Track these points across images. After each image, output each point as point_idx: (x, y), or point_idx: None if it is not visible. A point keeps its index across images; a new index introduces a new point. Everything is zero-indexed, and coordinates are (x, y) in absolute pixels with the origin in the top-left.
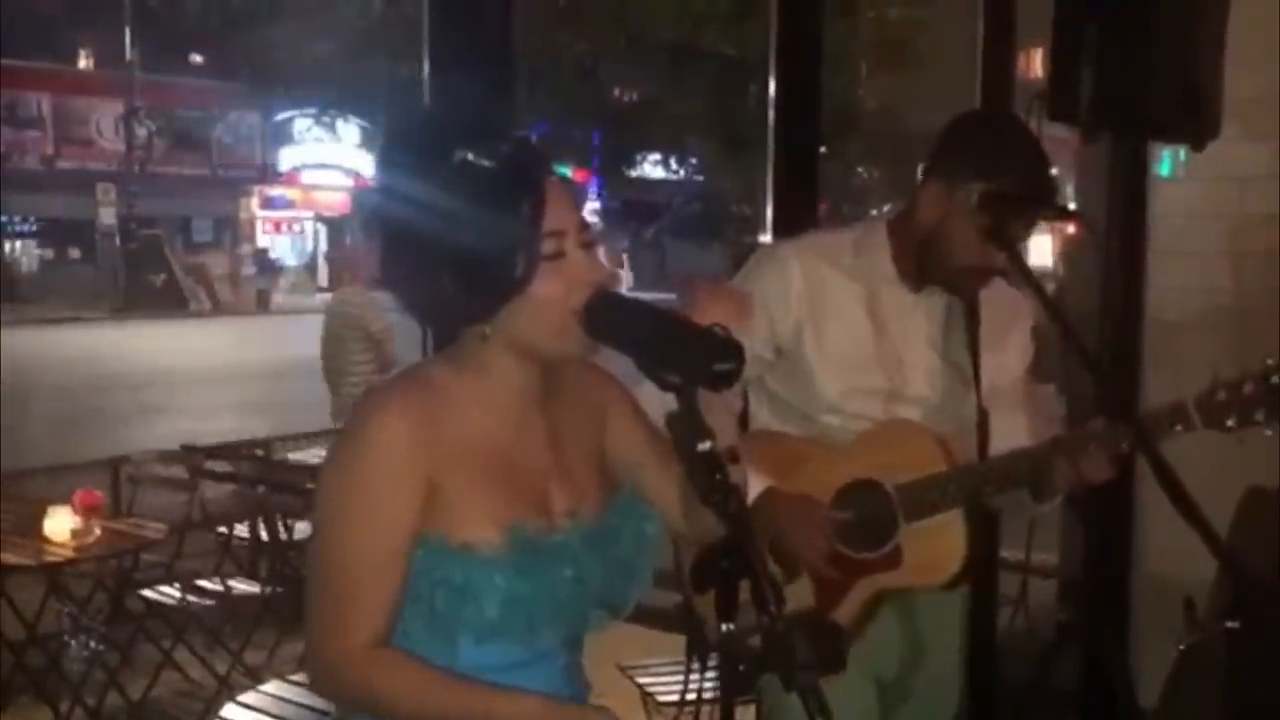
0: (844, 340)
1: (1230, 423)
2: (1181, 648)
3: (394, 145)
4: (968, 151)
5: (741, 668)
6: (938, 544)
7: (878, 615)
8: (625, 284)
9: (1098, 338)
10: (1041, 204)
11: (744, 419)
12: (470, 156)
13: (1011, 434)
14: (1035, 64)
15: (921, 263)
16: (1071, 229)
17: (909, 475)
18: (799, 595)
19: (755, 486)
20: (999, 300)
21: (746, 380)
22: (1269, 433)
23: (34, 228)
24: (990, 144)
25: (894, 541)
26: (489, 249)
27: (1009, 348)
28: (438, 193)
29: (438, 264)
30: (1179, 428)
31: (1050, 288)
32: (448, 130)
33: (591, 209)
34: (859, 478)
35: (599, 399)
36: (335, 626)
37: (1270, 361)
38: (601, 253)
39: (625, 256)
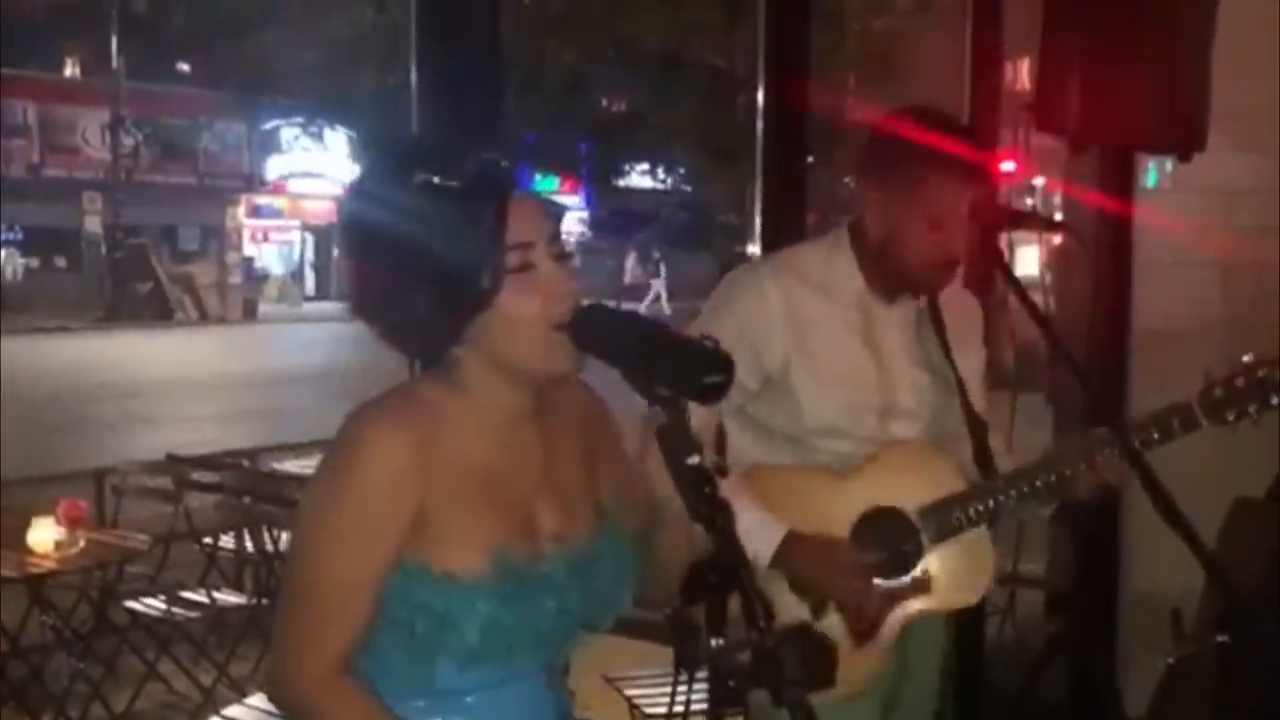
0: (835, 362)
1: (1230, 416)
2: (1170, 661)
3: (365, 170)
4: (895, 158)
5: (731, 683)
6: (966, 562)
7: None
8: (659, 292)
9: (1085, 348)
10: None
11: (720, 446)
12: (430, 178)
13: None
14: (1023, 75)
15: (885, 271)
16: (1059, 240)
17: (925, 497)
18: (831, 632)
19: (775, 531)
20: (956, 305)
21: (722, 408)
22: (1257, 419)
23: (19, 236)
24: (910, 146)
25: (922, 566)
26: (454, 265)
27: (970, 352)
28: (403, 216)
29: (407, 285)
30: (1185, 426)
31: (1037, 298)
32: (409, 155)
33: (579, 218)
34: (876, 505)
35: (591, 426)
36: (301, 644)
37: (1247, 358)
38: (632, 260)
39: (662, 264)
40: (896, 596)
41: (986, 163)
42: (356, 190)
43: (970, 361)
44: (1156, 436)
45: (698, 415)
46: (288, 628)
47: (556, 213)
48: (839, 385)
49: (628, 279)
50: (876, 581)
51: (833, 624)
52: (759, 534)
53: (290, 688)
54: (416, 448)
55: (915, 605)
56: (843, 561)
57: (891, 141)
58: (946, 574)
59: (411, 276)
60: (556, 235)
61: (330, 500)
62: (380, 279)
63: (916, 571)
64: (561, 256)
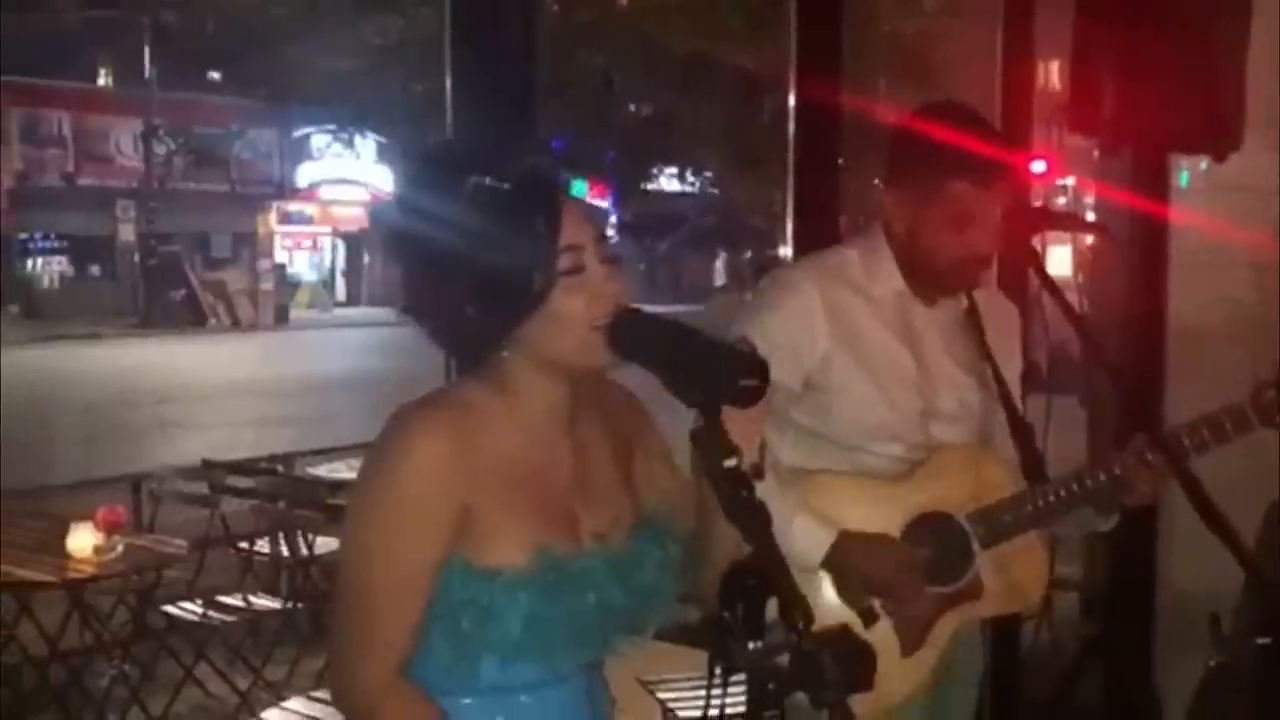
0: (876, 363)
1: None
2: (1210, 665)
3: (413, 175)
4: (914, 158)
5: (770, 686)
6: (1019, 567)
7: None
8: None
9: (1120, 349)
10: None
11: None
12: (485, 180)
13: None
14: (1055, 76)
15: (914, 270)
16: (1091, 240)
17: (977, 501)
18: (881, 639)
19: (826, 531)
20: (996, 310)
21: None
22: None
23: (55, 245)
24: (928, 144)
25: (973, 571)
26: (506, 268)
27: (1009, 358)
28: (456, 218)
29: (458, 287)
30: (1238, 429)
31: (1071, 298)
32: (463, 157)
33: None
34: (925, 510)
35: (629, 428)
36: (357, 650)
37: None
38: (721, 262)
39: (750, 266)
40: (947, 603)
41: (1008, 159)
42: (406, 192)
43: (1009, 367)
44: (1209, 439)
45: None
46: (343, 634)
47: (603, 217)
48: (881, 386)
49: (720, 281)
50: (929, 589)
51: (883, 632)
52: (810, 534)
53: (350, 694)
54: (458, 448)
55: (966, 612)
56: (895, 559)
57: (910, 142)
58: (998, 579)
59: (461, 279)
60: (604, 238)
61: (375, 505)
62: (430, 282)
63: (968, 577)
64: (608, 259)
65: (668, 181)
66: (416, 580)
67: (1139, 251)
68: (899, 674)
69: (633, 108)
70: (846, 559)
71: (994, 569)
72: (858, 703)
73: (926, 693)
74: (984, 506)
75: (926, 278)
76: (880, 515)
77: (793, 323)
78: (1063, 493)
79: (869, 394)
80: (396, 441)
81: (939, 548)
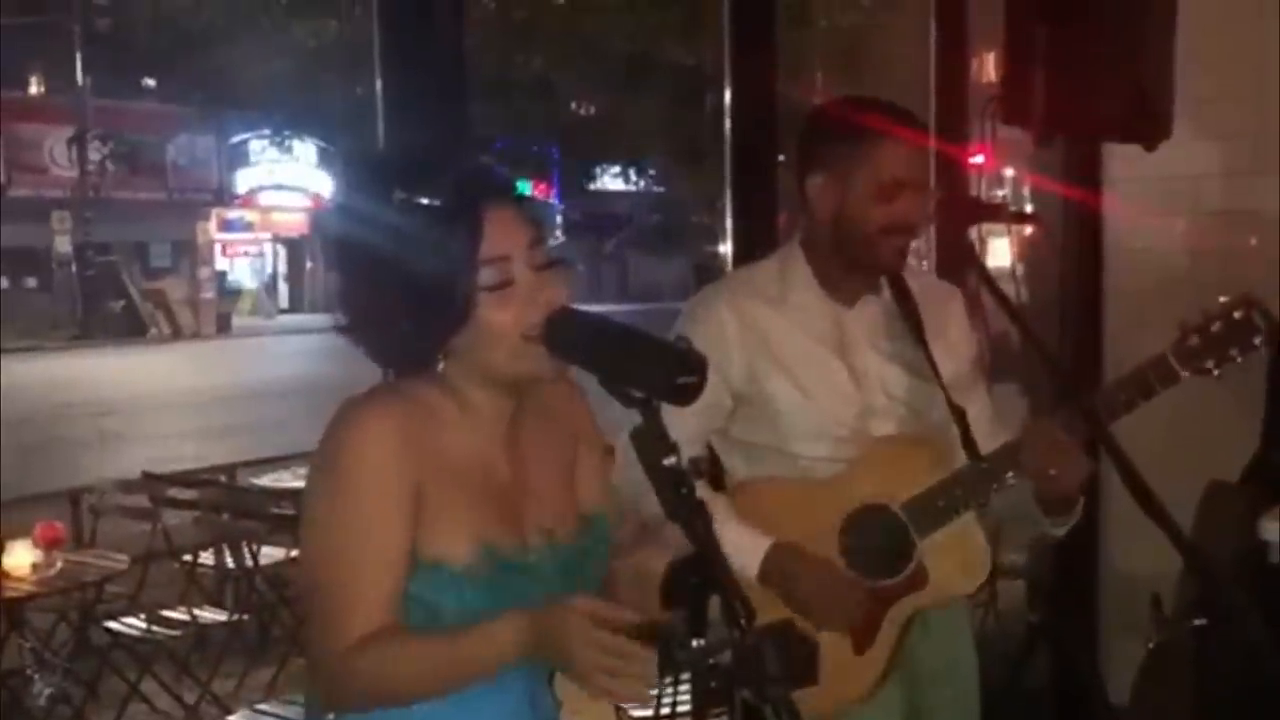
0: (803, 371)
1: (1209, 364)
2: (1150, 646)
3: (345, 188)
4: (834, 136)
5: (713, 683)
6: (960, 550)
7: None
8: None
9: (1058, 338)
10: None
11: (717, 474)
12: (408, 195)
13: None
14: (989, 69)
15: (841, 261)
16: (1030, 231)
17: (911, 490)
18: (832, 639)
19: (757, 550)
20: (930, 292)
21: (708, 432)
22: (1239, 360)
23: None
24: (847, 120)
25: (915, 560)
26: (431, 283)
27: (951, 336)
28: (383, 234)
29: (389, 303)
30: (1163, 382)
31: (1009, 289)
32: (390, 170)
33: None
34: (861, 504)
35: (572, 424)
36: (331, 632)
37: (1223, 300)
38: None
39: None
40: (893, 595)
41: (925, 136)
42: (337, 206)
43: (955, 347)
44: (1137, 396)
45: (686, 431)
46: (315, 623)
47: (538, 222)
48: (807, 391)
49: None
50: (871, 584)
51: (833, 633)
52: (742, 549)
53: (329, 675)
54: (406, 432)
55: (913, 602)
56: (820, 579)
57: (832, 120)
58: (941, 565)
59: (392, 294)
60: (537, 242)
61: (336, 490)
62: (363, 297)
63: (910, 568)
64: (543, 266)
65: (611, 180)
66: (382, 553)
67: (1074, 240)
68: (854, 672)
69: (574, 106)
70: (780, 570)
71: (936, 555)
72: (817, 703)
73: (895, 688)
74: (918, 494)
75: (853, 261)
76: (820, 516)
77: (710, 346)
78: (985, 466)
79: (797, 400)
80: (344, 427)
81: (879, 541)
